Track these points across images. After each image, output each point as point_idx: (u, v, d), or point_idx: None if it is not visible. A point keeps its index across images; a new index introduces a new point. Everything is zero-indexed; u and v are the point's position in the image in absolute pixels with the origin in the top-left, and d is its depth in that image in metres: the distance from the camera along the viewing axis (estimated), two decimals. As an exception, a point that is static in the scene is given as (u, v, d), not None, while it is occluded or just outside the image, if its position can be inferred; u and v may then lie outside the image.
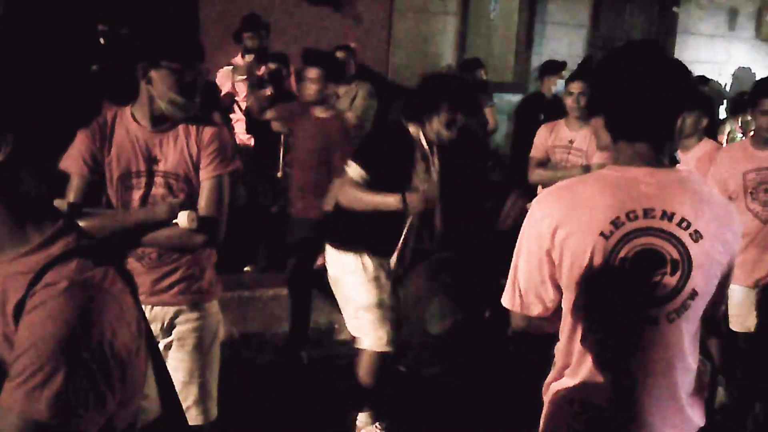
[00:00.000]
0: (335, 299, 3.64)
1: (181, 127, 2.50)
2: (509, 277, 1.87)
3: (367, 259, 3.42)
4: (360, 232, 3.39)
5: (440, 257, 3.77)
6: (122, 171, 2.48)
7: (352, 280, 3.44)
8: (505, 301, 1.88)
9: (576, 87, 4.47)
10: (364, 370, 3.53)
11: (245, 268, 5.51)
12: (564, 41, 8.01)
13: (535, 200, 1.88)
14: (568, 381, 1.83)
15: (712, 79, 7.81)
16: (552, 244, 1.74)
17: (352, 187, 3.26)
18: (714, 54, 8.59)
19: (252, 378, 4.11)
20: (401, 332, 3.65)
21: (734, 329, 3.92)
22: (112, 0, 5.24)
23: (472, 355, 4.69)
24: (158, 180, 2.49)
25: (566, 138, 4.51)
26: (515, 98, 7.34)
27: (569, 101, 4.49)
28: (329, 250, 3.55)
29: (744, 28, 8.82)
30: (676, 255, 1.70)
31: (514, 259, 1.86)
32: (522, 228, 1.85)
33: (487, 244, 4.05)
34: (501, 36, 8.23)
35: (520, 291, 1.83)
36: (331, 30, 6.59)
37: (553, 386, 1.89)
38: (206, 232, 2.44)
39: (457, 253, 3.76)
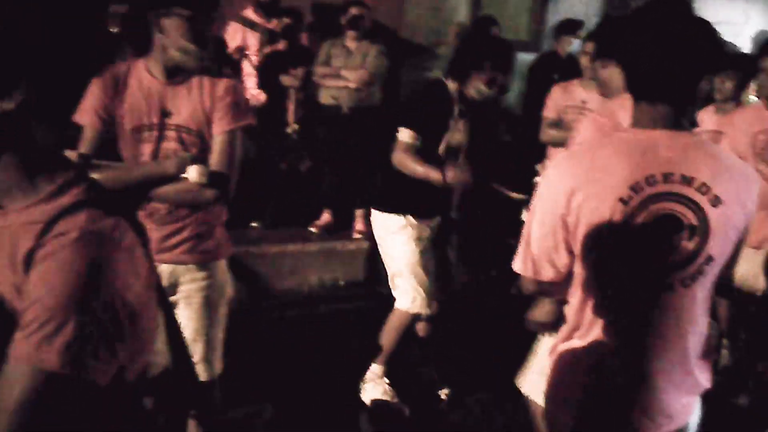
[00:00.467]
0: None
1: (194, 80, 2.46)
2: (521, 241, 1.85)
3: (412, 221, 3.51)
4: (405, 194, 3.47)
5: (449, 217, 3.74)
6: (134, 124, 2.45)
7: (395, 239, 3.53)
8: (517, 265, 1.86)
9: (592, 47, 4.40)
10: (391, 326, 3.62)
11: (252, 224, 5.51)
12: (581, 1, 7.87)
13: (551, 164, 1.84)
14: (578, 343, 1.83)
15: (729, 41, 7.68)
16: (568, 208, 1.71)
17: (402, 152, 3.35)
18: (732, 15, 8.42)
19: (261, 332, 4.15)
20: (444, 296, 3.75)
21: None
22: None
23: (478, 313, 4.71)
24: (170, 134, 2.45)
25: (579, 98, 4.45)
26: (529, 57, 7.23)
27: (584, 61, 4.42)
28: (374, 212, 3.65)
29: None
30: (694, 220, 1.68)
31: (526, 223, 1.84)
32: (537, 191, 1.82)
33: (496, 205, 4.02)
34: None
35: (532, 255, 1.81)
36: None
37: (561, 347, 1.89)
38: (216, 188, 2.40)
39: (466, 213, 3.73)
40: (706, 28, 1.72)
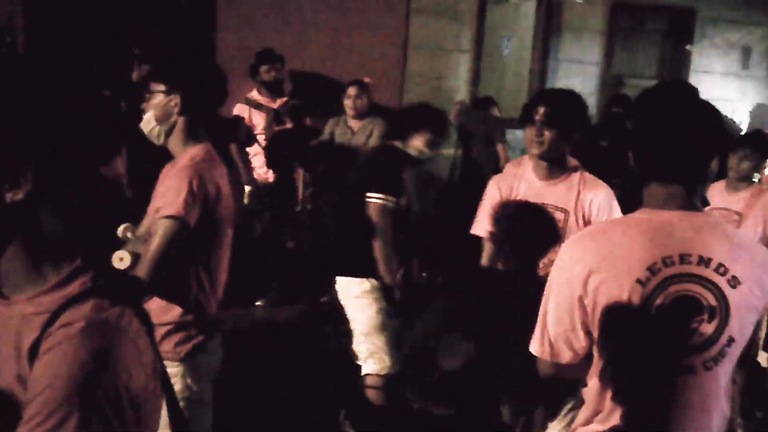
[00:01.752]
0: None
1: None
2: (538, 323, 1.83)
3: (375, 283, 3.53)
4: (366, 257, 3.50)
5: (453, 293, 3.75)
6: None
7: (357, 303, 3.54)
8: (534, 348, 1.84)
9: None
10: (371, 394, 3.60)
11: (257, 303, 5.48)
12: (577, 78, 8.03)
13: (564, 245, 1.85)
14: (598, 427, 1.80)
15: (728, 117, 7.82)
16: (585, 290, 1.71)
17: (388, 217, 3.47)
18: (727, 92, 8.59)
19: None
20: (402, 354, 3.75)
21: (763, 364, 3.90)
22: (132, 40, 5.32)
23: (483, 393, 4.63)
24: None
25: None
26: (528, 134, 7.34)
27: None
28: (338, 278, 3.65)
29: (757, 66, 8.84)
30: (713, 301, 1.68)
31: (542, 305, 1.83)
32: (551, 273, 1.82)
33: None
34: (514, 73, 8.28)
35: (549, 338, 1.80)
36: (346, 67, 6.64)
37: (581, 431, 1.86)
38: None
39: (468, 288, 3.76)
40: (711, 110, 1.76)
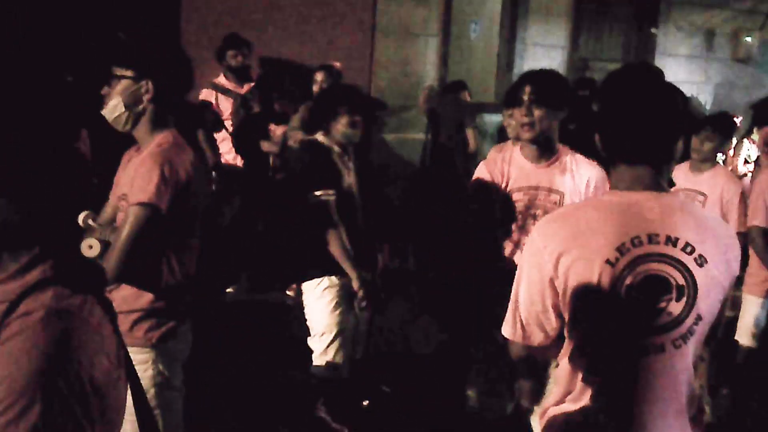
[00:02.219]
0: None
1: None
2: (509, 307, 1.85)
3: (334, 280, 3.53)
4: (322, 256, 3.49)
5: (424, 277, 3.77)
6: None
7: (316, 304, 3.56)
8: (506, 331, 1.85)
9: None
10: (319, 388, 3.66)
11: (227, 290, 5.45)
12: (543, 62, 8.07)
13: (535, 227, 1.84)
14: (570, 407, 1.81)
15: (693, 97, 7.93)
16: (555, 272, 1.72)
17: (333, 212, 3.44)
18: (692, 74, 8.71)
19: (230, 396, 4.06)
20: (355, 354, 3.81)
21: (741, 341, 4.00)
22: (95, 19, 5.22)
23: (457, 375, 4.67)
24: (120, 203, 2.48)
25: None
26: (497, 118, 7.38)
27: None
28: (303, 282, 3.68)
29: (721, 48, 8.97)
30: (681, 281, 1.69)
31: (513, 288, 1.84)
32: (522, 255, 1.83)
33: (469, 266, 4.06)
34: (482, 57, 8.30)
35: (521, 320, 1.81)
36: (313, 52, 6.60)
37: (552, 411, 1.87)
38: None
39: (440, 273, 3.78)
40: (675, 91, 1.77)
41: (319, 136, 3.58)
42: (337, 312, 3.55)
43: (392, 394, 4.20)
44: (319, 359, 3.59)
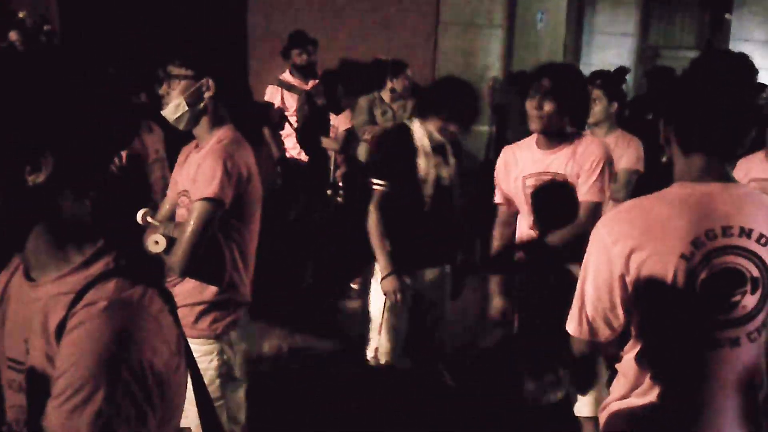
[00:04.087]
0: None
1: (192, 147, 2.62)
2: (574, 303, 1.82)
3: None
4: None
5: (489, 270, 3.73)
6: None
7: (374, 294, 3.52)
8: (571, 328, 1.83)
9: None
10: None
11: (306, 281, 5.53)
12: (612, 51, 7.92)
13: (600, 223, 1.80)
14: (636, 401, 1.78)
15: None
16: (626, 268, 1.68)
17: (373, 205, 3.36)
18: (764, 61, 8.40)
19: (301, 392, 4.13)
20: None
21: None
22: (161, 24, 5.37)
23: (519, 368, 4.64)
24: (182, 199, 2.55)
25: None
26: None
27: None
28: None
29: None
30: (756, 273, 1.66)
31: (579, 285, 1.81)
32: (587, 253, 1.79)
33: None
34: (548, 47, 8.17)
35: (587, 317, 1.78)
36: (377, 45, 6.63)
37: (615, 406, 1.84)
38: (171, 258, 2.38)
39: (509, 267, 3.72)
40: (758, 82, 1.73)
41: (414, 121, 3.47)
42: (388, 310, 3.47)
43: (455, 387, 4.20)
44: (371, 349, 3.59)
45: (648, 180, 3.94)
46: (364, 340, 3.63)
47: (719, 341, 1.68)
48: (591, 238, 1.79)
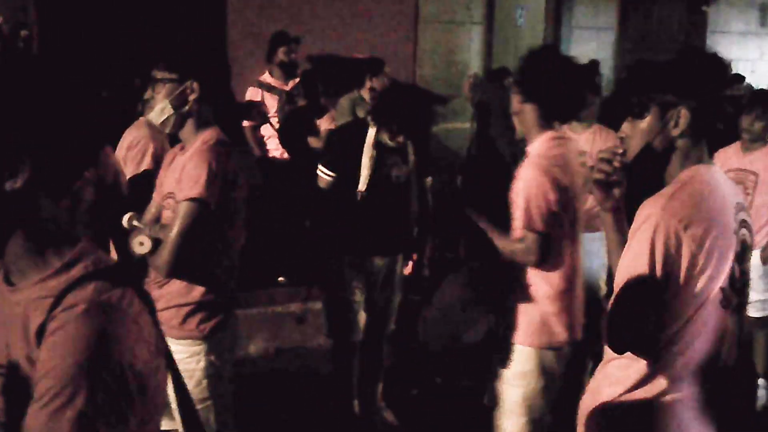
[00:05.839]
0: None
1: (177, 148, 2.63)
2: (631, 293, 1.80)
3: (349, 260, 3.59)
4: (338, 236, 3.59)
5: (473, 266, 3.76)
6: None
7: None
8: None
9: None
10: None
11: (279, 278, 5.55)
12: (592, 45, 7.96)
13: (661, 210, 1.77)
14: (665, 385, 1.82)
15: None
16: (699, 249, 1.74)
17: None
18: (746, 51, 8.47)
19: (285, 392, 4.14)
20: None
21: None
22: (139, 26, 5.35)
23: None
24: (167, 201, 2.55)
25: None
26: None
27: None
28: None
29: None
30: (750, 241, 1.85)
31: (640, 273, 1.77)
32: (648, 240, 1.75)
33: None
34: (528, 43, 8.21)
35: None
36: (357, 43, 6.64)
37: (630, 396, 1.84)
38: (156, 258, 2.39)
39: (489, 261, 3.75)
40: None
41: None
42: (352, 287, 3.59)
43: (442, 384, 4.22)
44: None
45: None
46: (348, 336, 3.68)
47: (732, 308, 1.81)
48: (648, 226, 1.75)
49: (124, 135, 3.44)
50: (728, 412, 1.83)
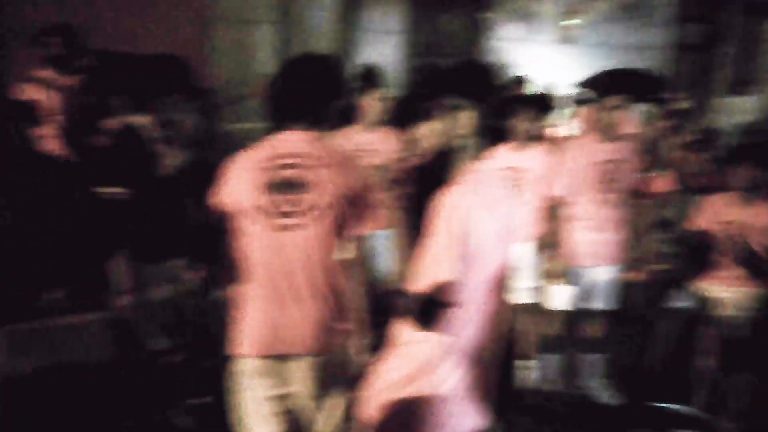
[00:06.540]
0: None
1: None
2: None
3: None
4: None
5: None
6: None
7: None
8: None
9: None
10: None
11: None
12: (382, 49, 8.20)
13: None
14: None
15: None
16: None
17: None
18: (518, 57, 9.13)
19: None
20: None
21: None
22: None
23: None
24: None
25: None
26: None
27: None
28: None
29: (545, 32, 9.45)
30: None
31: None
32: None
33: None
34: (323, 44, 8.30)
35: None
36: (146, 42, 6.39)
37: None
38: None
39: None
40: None
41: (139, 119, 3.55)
42: None
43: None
44: None
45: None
46: None
47: None
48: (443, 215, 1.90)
49: None
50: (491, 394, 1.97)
